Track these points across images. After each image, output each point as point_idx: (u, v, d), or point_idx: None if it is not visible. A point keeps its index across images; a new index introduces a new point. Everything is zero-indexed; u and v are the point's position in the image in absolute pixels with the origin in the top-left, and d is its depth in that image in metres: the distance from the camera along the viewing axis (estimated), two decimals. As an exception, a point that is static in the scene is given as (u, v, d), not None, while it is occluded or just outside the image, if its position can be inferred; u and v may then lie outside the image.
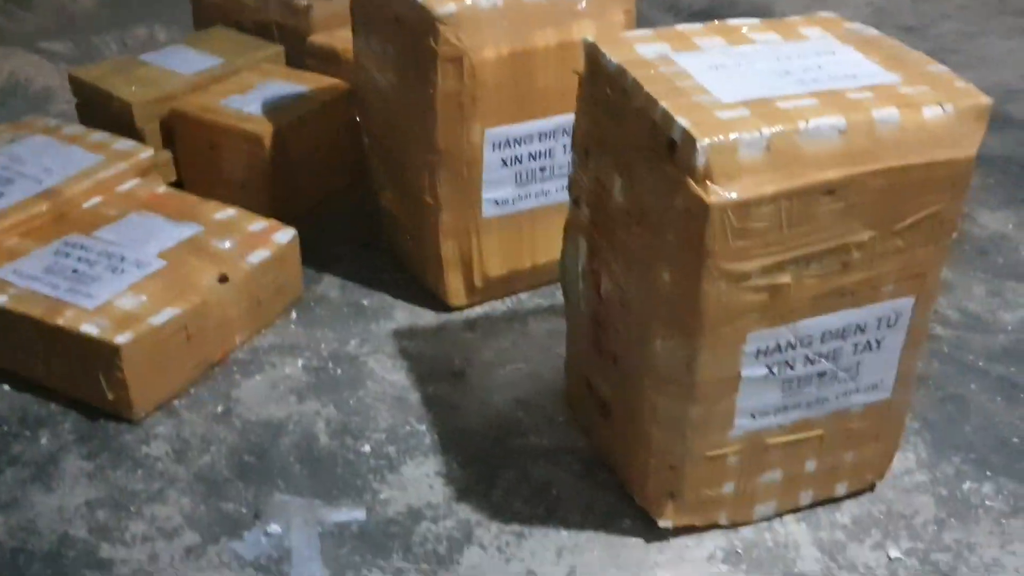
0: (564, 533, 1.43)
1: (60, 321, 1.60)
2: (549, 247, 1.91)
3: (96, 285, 1.67)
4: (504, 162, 1.79)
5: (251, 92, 2.24)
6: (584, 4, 1.74)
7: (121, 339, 1.56)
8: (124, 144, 2.09)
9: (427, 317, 1.90)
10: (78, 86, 2.27)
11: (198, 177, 2.22)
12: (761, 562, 1.39)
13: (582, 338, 1.54)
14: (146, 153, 2.08)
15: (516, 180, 1.82)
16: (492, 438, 1.61)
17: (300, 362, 1.77)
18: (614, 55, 1.31)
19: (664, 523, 1.41)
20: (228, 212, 1.93)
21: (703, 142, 1.13)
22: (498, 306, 1.94)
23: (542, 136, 1.80)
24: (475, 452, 1.57)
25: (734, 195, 1.14)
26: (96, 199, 1.96)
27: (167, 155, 2.16)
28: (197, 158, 2.21)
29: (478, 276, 1.88)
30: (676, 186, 1.17)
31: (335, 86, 2.29)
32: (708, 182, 1.14)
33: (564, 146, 1.82)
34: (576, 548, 1.41)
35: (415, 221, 1.88)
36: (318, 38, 2.47)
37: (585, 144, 1.41)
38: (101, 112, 2.24)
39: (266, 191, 2.15)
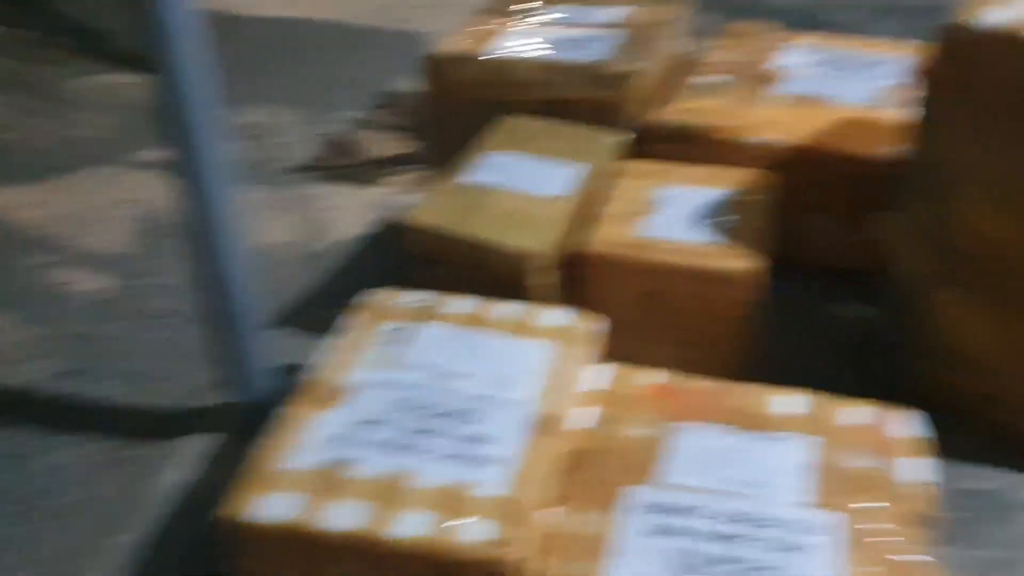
0: None
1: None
2: None
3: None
4: None
5: (663, 209, 1.64)
6: None
7: None
8: (553, 318, 1.45)
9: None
10: (422, 237, 1.61)
11: (618, 335, 1.60)
12: None
13: None
14: (593, 325, 1.46)
15: None
16: None
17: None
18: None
19: None
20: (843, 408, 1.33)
21: None
22: None
23: None
24: None
25: None
26: (593, 412, 1.33)
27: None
28: (618, 312, 1.59)
29: None
30: None
31: (755, 178, 1.71)
32: None
33: None
34: None
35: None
36: (670, 114, 1.88)
37: None
38: (464, 268, 1.59)
39: (729, 345, 1.57)
